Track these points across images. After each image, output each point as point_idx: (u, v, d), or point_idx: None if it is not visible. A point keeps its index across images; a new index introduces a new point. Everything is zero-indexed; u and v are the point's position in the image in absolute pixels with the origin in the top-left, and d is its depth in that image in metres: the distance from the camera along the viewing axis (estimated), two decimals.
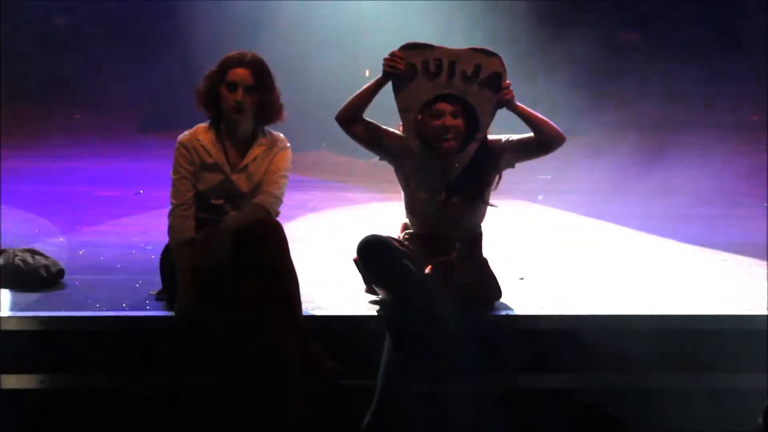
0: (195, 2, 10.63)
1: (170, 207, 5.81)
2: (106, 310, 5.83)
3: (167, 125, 9.56)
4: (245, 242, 5.59)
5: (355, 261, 5.86)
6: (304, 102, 9.11)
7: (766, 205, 8.13)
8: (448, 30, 9.84)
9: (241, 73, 5.76)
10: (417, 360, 5.58)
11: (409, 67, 5.78)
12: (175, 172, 5.83)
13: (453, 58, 5.77)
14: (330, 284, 6.27)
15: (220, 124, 5.85)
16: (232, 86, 5.75)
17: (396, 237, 5.94)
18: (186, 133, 5.88)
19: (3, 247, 6.34)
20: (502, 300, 5.92)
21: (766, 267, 6.66)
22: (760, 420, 4.03)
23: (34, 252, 6.32)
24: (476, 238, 5.95)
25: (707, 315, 5.88)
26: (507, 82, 5.77)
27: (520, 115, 5.79)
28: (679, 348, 5.79)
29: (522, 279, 6.43)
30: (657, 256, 6.96)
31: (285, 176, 5.85)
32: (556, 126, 5.79)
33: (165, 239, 5.82)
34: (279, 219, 5.74)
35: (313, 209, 8.14)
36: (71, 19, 12.00)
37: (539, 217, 7.95)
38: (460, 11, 10.13)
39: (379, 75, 5.80)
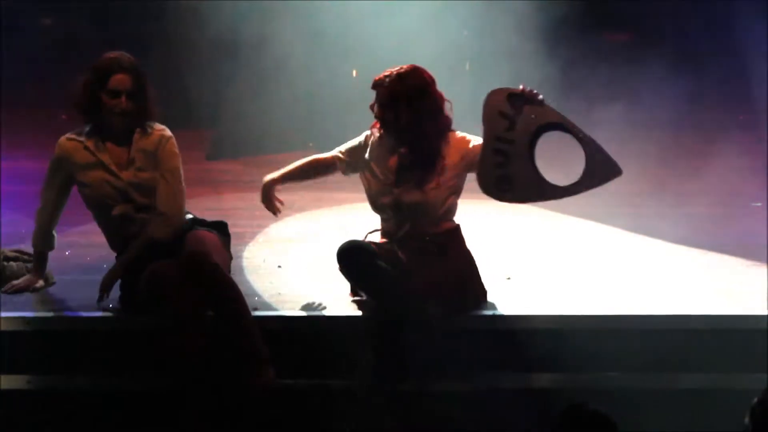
0: (184, 2, 10.60)
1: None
2: (93, 310, 5.83)
3: None
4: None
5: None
6: (290, 101, 9.09)
7: (758, 204, 8.14)
8: (435, 28, 9.84)
9: (122, 79, 5.77)
10: (396, 362, 5.61)
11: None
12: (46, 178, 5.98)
13: None
14: (316, 285, 6.27)
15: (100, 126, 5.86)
16: (115, 93, 5.76)
17: (375, 240, 5.94)
18: (68, 135, 5.90)
19: None
20: (488, 300, 5.93)
21: (751, 266, 6.69)
22: (746, 419, 4.04)
23: (21, 252, 6.32)
24: (450, 232, 5.91)
25: (702, 315, 5.90)
26: None
27: None
28: (670, 348, 5.80)
29: (509, 279, 6.44)
30: (644, 256, 6.97)
31: (174, 172, 5.84)
32: None
33: None
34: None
35: (301, 209, 8.12)
36: (56, 21, 11.96)
37: (526, 217, 7.95)
38: (447, 10, 10.11)
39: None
